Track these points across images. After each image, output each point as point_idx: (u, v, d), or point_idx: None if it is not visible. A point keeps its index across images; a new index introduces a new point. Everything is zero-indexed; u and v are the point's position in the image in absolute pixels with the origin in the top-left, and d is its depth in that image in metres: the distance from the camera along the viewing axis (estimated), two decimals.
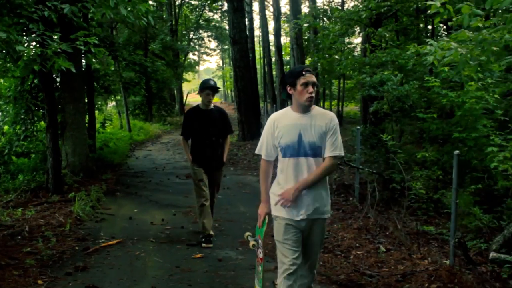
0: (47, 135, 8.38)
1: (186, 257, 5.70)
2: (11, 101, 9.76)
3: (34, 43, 6.33)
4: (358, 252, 5.98)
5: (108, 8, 5.92)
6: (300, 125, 3.55)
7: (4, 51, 6.08)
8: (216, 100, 52.52)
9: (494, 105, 8.57)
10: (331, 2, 36.77)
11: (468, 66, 4.79)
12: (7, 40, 5.36)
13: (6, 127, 10.22)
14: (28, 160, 9.72)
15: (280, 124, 3.60)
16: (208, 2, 19.26)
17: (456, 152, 5.41)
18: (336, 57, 14.02)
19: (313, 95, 3.53)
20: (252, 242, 3.92)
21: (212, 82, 6.21)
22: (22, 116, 9.75)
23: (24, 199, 8.17)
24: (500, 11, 4.23)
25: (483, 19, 4.41)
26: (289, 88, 3.59)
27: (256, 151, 3.81)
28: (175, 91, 32.67)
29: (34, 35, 5.96)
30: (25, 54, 5.73)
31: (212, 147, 6.18)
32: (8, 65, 8.84)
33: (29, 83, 9.52)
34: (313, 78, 3.55)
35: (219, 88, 6.32)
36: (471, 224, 6.70)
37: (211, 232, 6.17)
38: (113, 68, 16.88)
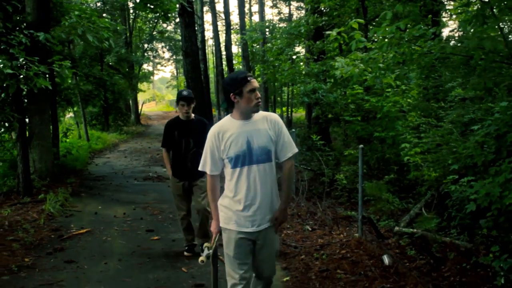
0: (17, 144, 9.26)
1: (146, 239, 6.85)
2: None
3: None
4: (288, 232, 7.22)
5: (76, 35, 7.07)
6: (246, 132, 3.39)
7: None
8: (172, 109, 52.47)
9: (408, 108, 10.08)
10: (280, 13, 38.42)
11: (361, 78, 6.20)
12: None
13: None
14: None
15: (225, 135, 3.41)
16: (161, 18, 20.21)
17: (361, 146, 6.68)
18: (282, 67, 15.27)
19: (260, 99, 3.45)
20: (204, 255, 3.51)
21: (185, 93, 5.89)
22: None
23: None
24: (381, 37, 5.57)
25: (370, 42, 5.80)
26: (233, 96, 3.36)
27: (200, 168, 3.58)
28: (131, 102, 33.25)
29: (16, 61, 6.88)
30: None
31: (193, 158, 5.81)
32: None
33: None
34: (257, 83, 3.42)
35: (193, 98, 5.99)
36: (385, 207, 8.05)
37: (195, 242, 6.18)
38: (70, 81, 17.61)
